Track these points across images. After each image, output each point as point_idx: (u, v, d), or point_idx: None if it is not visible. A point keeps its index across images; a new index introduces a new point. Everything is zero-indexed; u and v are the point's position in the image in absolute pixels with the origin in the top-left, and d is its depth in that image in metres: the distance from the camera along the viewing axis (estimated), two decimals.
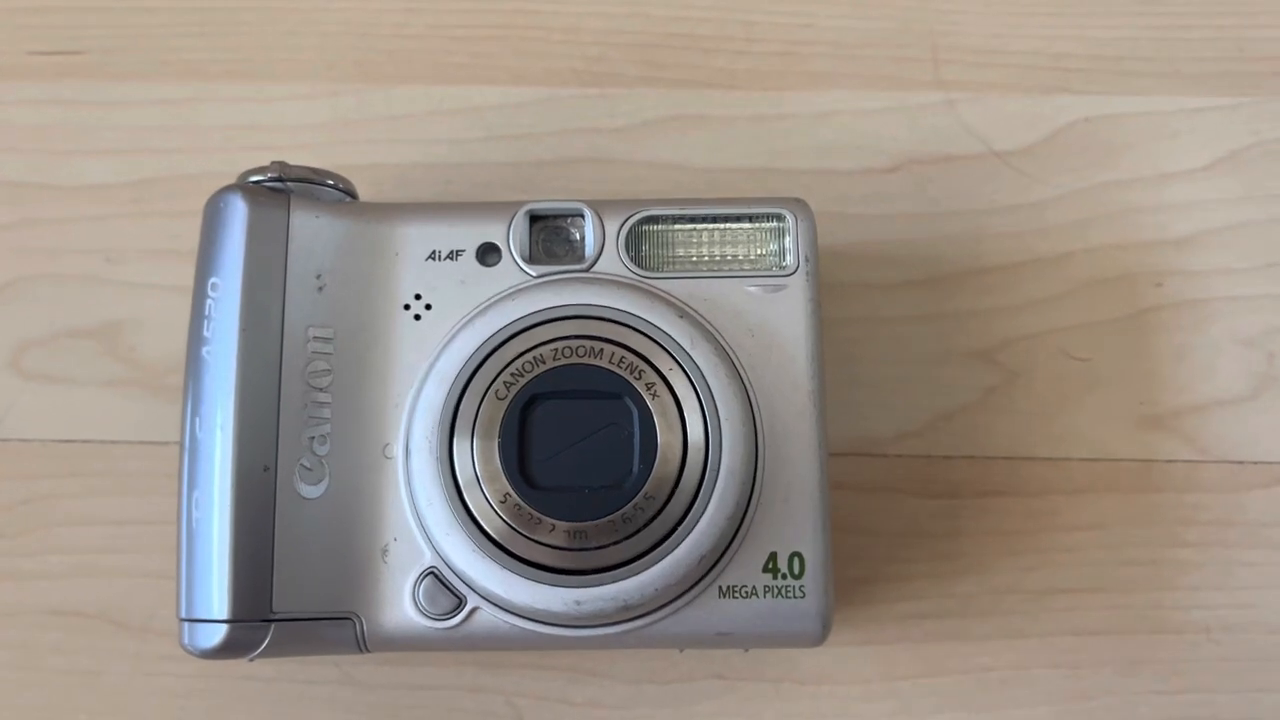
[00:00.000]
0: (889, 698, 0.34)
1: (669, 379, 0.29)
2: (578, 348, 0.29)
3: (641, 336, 0.29)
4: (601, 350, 0.29)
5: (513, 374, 0.29)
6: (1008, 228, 0.37)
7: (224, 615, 0.28)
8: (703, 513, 0.28)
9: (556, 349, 0.29)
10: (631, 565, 0.28)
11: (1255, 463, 0.35)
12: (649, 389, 0.29)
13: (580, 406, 0.29)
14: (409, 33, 0.39)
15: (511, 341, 0.29)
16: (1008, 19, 0.39)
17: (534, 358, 0.29)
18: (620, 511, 0.28)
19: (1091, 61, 0.38)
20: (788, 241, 0.31)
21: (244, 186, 0.30)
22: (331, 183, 0.31)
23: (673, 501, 0.28)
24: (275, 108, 0.38)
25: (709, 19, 0.39)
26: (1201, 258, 0.37)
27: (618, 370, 0.29)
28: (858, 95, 0.38)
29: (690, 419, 0.29)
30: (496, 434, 0.29)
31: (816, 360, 0.30)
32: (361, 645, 0.29)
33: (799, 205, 0.31)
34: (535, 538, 0.28)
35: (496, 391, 0.29)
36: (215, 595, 0.28)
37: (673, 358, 0.29)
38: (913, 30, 0.38)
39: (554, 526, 0.28)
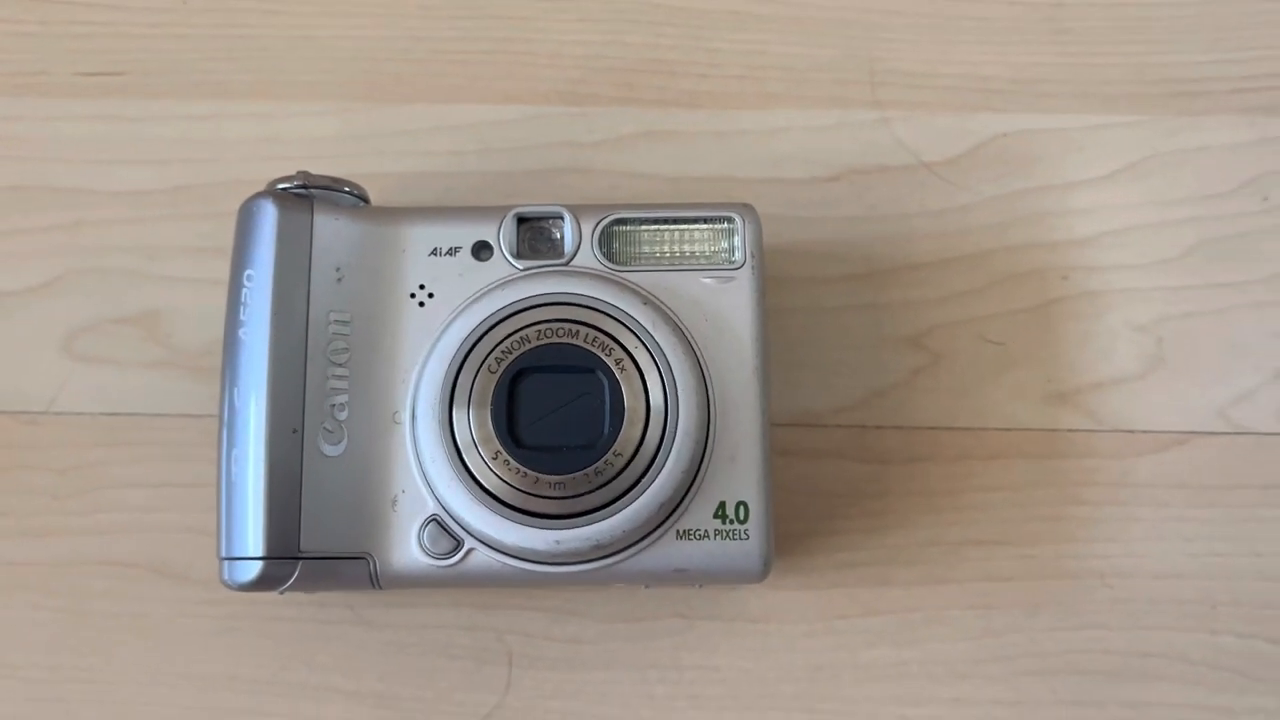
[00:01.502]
0: (827, 634, 0.39)
1: (634, 355, 0.34)
2: (558, 329, 0.34)
3: (611, 320, 0.35)
4: (577, 331, 0.34)
5: (503, 351, 0.34)
6: (935, 229, 0.42)
7: (259, 553, 0.33)
8: (663, 467, 0.34)
9: (540, 330, 0.34)
10: (603, 511, 0.33)
11: (1144, 432, 0.41)
12: (618, 364, 0.34)
13: (560, 379, 0.34)
14: (412, 57, 0.44)
15: (501, 324, 0.35)
16: (938, 47, 0.44)
17: (520, 338, 0.34)
18: (593, 466, 0.33)
19: (1011, 84, 0.43)
20: (736, 240, 0.36)
21: (273, 193, 0.36)
22: (348, 189, 0.37)
23: (637, 457, 0.34)
24: (293, 123, 0.43)
25: (677, 46, 0.44)
26: (1102, 255, 0.42)
27: (591, 348, 0.34)
28: (805, 114, 0.43)
29: (652, 389, 0.34)
30: (489, 402, 0.34)
31: (760, 340, 0.35)
32: (375, 582, 0.34)
33: (746, 209, 0.36)
34: (522, 488, 0.33)
35: (489, 366, 0.34)
36: (251, 536, 0.33)
37: (638, 337, 0.34)
38: (854, 57, 0.44)
39: (538, 479, 0.33)
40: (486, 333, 0.34)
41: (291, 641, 0.39)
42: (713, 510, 0.34)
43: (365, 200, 0.37)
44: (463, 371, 0.34)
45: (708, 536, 0.34)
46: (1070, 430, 0.41)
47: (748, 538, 0.34)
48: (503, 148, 0.43)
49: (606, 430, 0.34)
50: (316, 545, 0.34)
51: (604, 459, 0.34)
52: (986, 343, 0.41)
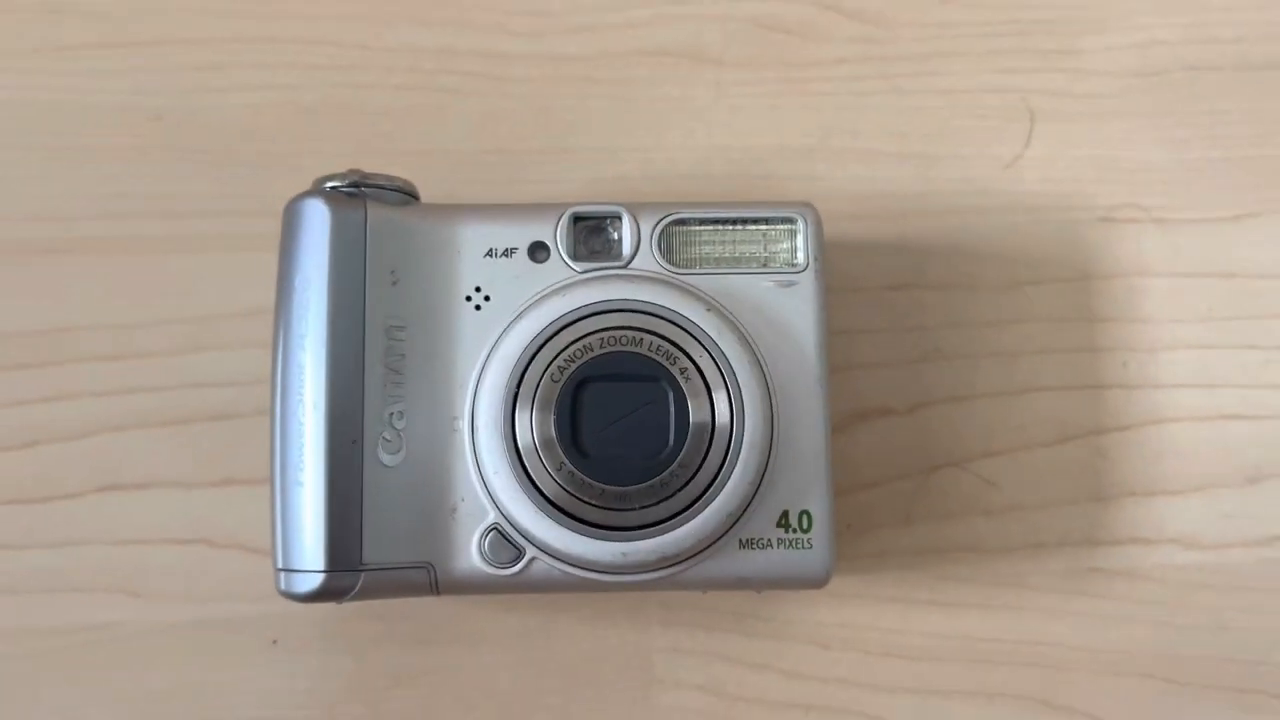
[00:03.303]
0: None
1: (699, 364, 0.34)
2: (620, 337, 0.34)
3: (675, 327, 0.34)
4: (641, 339, 0.34)
5: (566, 359, 0.34)
6: None
7: (320, 566, 0.33)
8: (728, 478, 0.33)
9: (603, 338, 0.34)
10: (669, 523, 0.33)
11: None
12: (682, 373, 0.34)
13: (624, 388, 0.34)
14: None
15: (564, 331, 0.34)
16: None
17: (583, 345, 0.34)
18: (659, 477, 0.33)
19: None
20: (799, 240, 0.35)
21: (323, 192, 0.34)
22: (399, 186, 0.35)
23: (703, 469, 0.33)
24: None
25: None
26: None
27: (655, 357, 0.34)
28: None
29: (717, 399, 0.34)
30: (553, 411, 0.33)
31: (823, 347, 0.35)
32: (435, 589, 0.34)
33: (808, 209, 0.36)
34: (587, 499, 0.33)
35: (552, 375, 0.34)
36: (310, 549, 0.33)
37: (702, 346, 0.34)
38: None
39: (603, 490, 0.33)
40: (549, 340, 0.34)
41: None
42: (776, 519, 0.34)
43: (415, 198, 0.36)
44: (525, 379, 0.34)
45: (770, 545, 0.34)
46: None
47: (811, 546, 0.34)
48: None
49: (672, 442, 0.33)
50: (378, 556, 0.33)
51: (669, 470, 0.33)
52: None
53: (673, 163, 0.41)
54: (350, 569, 0.33)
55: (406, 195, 0.35)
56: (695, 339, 0.34)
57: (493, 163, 0.41)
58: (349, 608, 0.38)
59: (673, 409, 0.33)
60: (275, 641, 0.39)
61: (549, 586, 0.34)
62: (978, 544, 0.40)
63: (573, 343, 0.34)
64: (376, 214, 0.34)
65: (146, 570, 0.39)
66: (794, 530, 0.34)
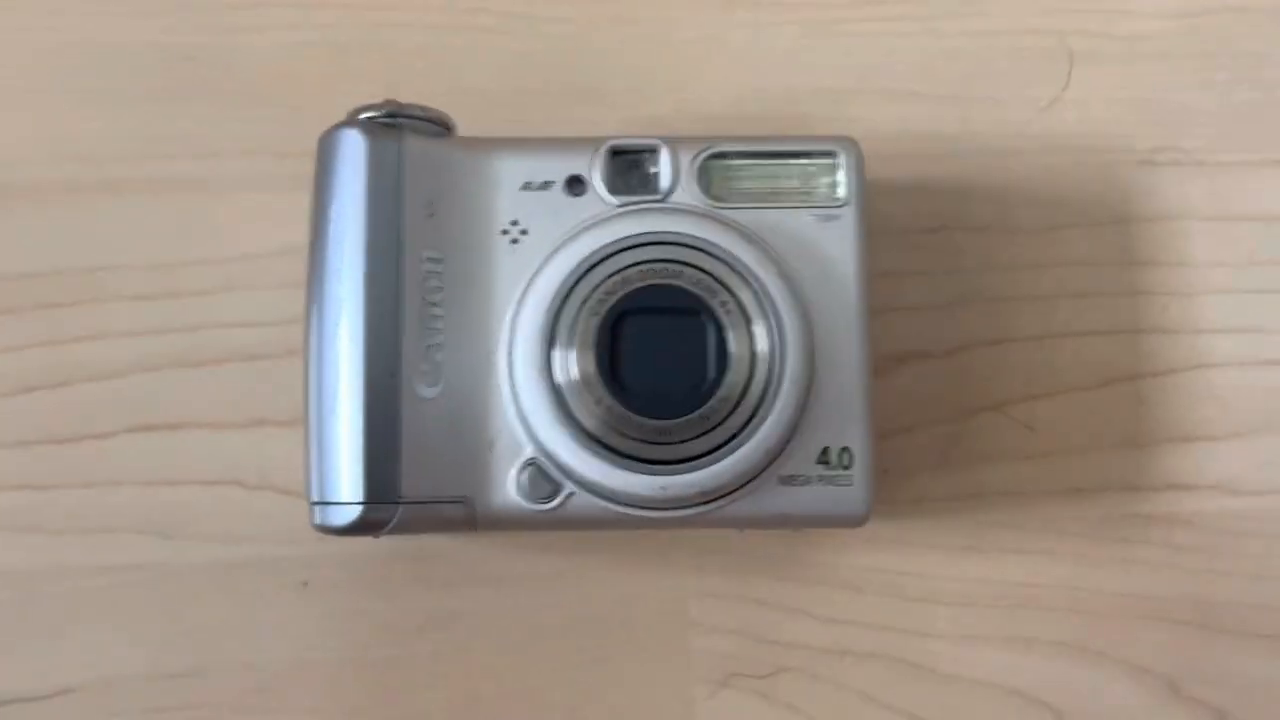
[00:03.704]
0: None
1: (739, 298, 0.33)
2: (660, 270, 0.33)
3: (715, 260, 0.34)
4: (680, 272, 0.33)
5: (604, 293, 0.33)
6: None
7: (358, 498, 0.33)
8: (769, 413, 0.33)
9: (641, 271, 0.33)
10: (709, 456, 0.33)
11: None
12: (723, 306, 0.33)
13: (663, 321, 0.33)
14: None
15: (602, 264, 0.33)
16: None
17: (622, 279, 0.33)
18: (699, 411, 0.33)
19: None
20: (840, 175, 0.35)
21: (359, 122, 0.34)
22: (433, 117, 0.35)
23: (743, 403, 0.33)
24: None
25: None
26: None
27: (695, 290, 0.33)
28: None
29: (758, 332, 0.33)
30: (592, 345, 0.33)
31: (864, 282, 0.34)
32: (472, 524, 0.34)
33: (850, 143, 0.35)
34: (627, 433, 0.33)
35: (590, 308, 0.33)
36: (347, 481, 0.33)
37: (743, 279, 0.33)
38: None
39: (642, 424, 0.33)
40: (586, 273, 0.33)
41: None
42: (816, 455, 0.34)
43: (451, 130, 0.35)
44: (563, 313, 0.33)
45: (811, 482, 0.34)
46: None
47: (851, 483, 0.34)
48: None
49: (712, 375, 0.33)
50: (415, 489, 0.33)
51: (710, 404, 0.33)
52: None
53: (707, 103, 0.41)
54: (388, 501, 0.33)
55: (442, 127, 0.35)
56: (736, 272, 0.34)
57: (526, 103, 0.41)
58: (380, 549, 0.38)
59: (713, 342, 0.33)
60: (306, 583, 0.39)
61: (586, 523, 0.34)
62: (1015, 489, 0.40)
63: (611, 276, 0.33)
64: (413, 145, 0.34)
65: (178, 511, 0.39)
66: (835, 467, 0.34)
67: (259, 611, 0.39)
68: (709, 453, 0.33)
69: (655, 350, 0.33)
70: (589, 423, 0.33)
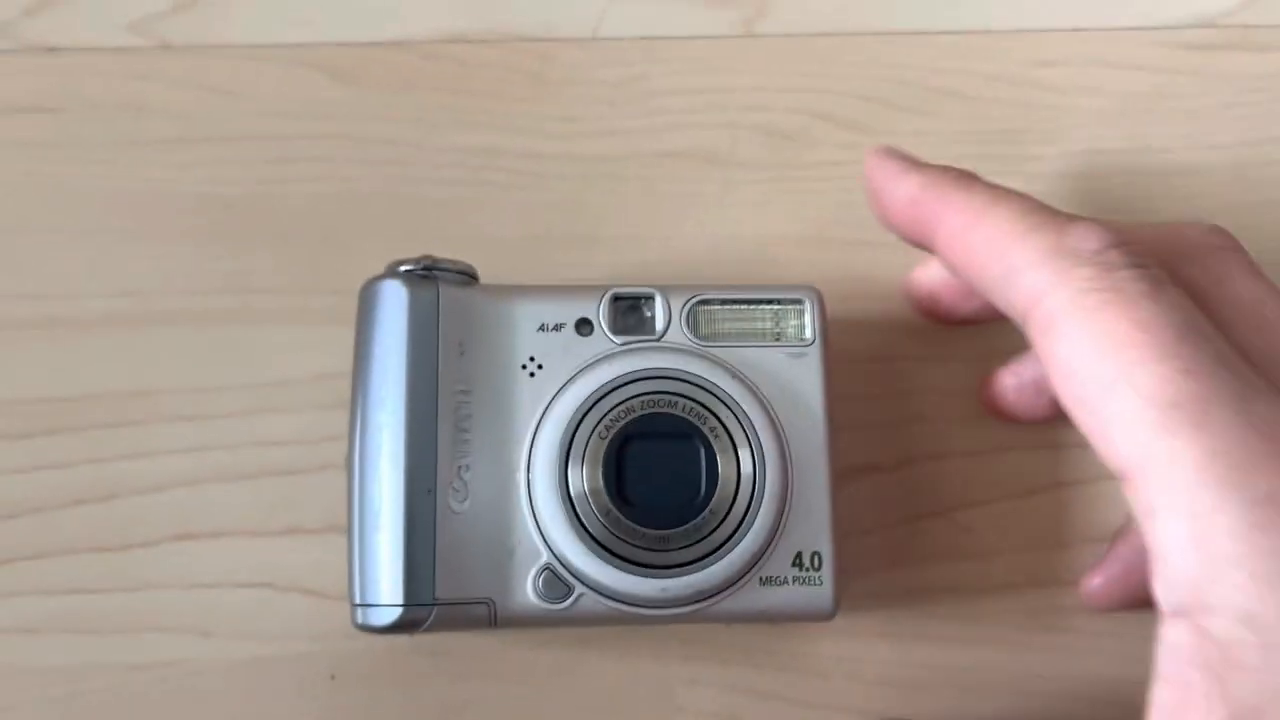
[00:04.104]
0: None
1: (726, 425, 0.39)
2: (658, 400, 0.39)
3: (705, 392, 0.39)
4: (675, 402, 0.39)
5: (611, 419, 0.39)
6: None
7: (398, 601, 0.37)
8: (752, 523, 0.39)
9: (642, 401, 0.39)
10: (702, 561, 0.38)
11: None
12: (712, 431, 0.39)
13: (661, 444, 0.39)
14: None
15: (608, 395, 0.39)
16: None
17: (626, 407, 0.39)
18: (693, 522, 0.38)
19: None
20: (806, 319, 0.41)
21: (400, 274, 0.39)
22: (462, 269, 0.41)
23: (730, 514, 0.39)
24: None
25: None
26: None
27: (688, 417, 0.39)
28: None
29: (742, 456, 0.39)
30: (600, 464, 0.38)
31: (828, 408, 0.40)
32: (493, 622, 0.39)
33: (812, 291, 0.41)
34: (630, 541, 0.38)
35: (599, 433, 0.39)
36: (387, 585, 0.37)
37: (728, 408, 0.39)
38: None
39: (644, 533, 0.38)
40: (595, 403, 0.39)
41: None
42: (791, 559, 0.39)
43: (476, 279, 0.41)
44: (576, 437, 0.39)
45: (787, 582, 0.39)
46: None
47: (821, 583, 0.39)
48: None
49: (703, 491, 0.39)
50: (448, 592, 0.38)
51: (701, 516, 0.38)
52: None
53: (689, 249, 0.47)
54: (424, 604, 0.38)
55: (469, 277, 0.41)
56: (722, 402, 0.39)
57: (531, 248, 0.47)
58: (400, 645, 0.43)
59: (704, 463, 0.39)
60: (333, 676, 0.43)
61: (594, 620, 0.39)
62: (957, 585, 0.46)
63: (616, 405, 0.39)
64: (445, 293, 0.39)
65: (216, 611, 0.43)
66: (807, 569, 0.39)
67: (289, 702, 0.43)
68: (702, 558, 0.38)
69: (654, 469, 0.39)
70: (598, 531, 0.38)
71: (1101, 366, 0.30)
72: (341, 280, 0.43)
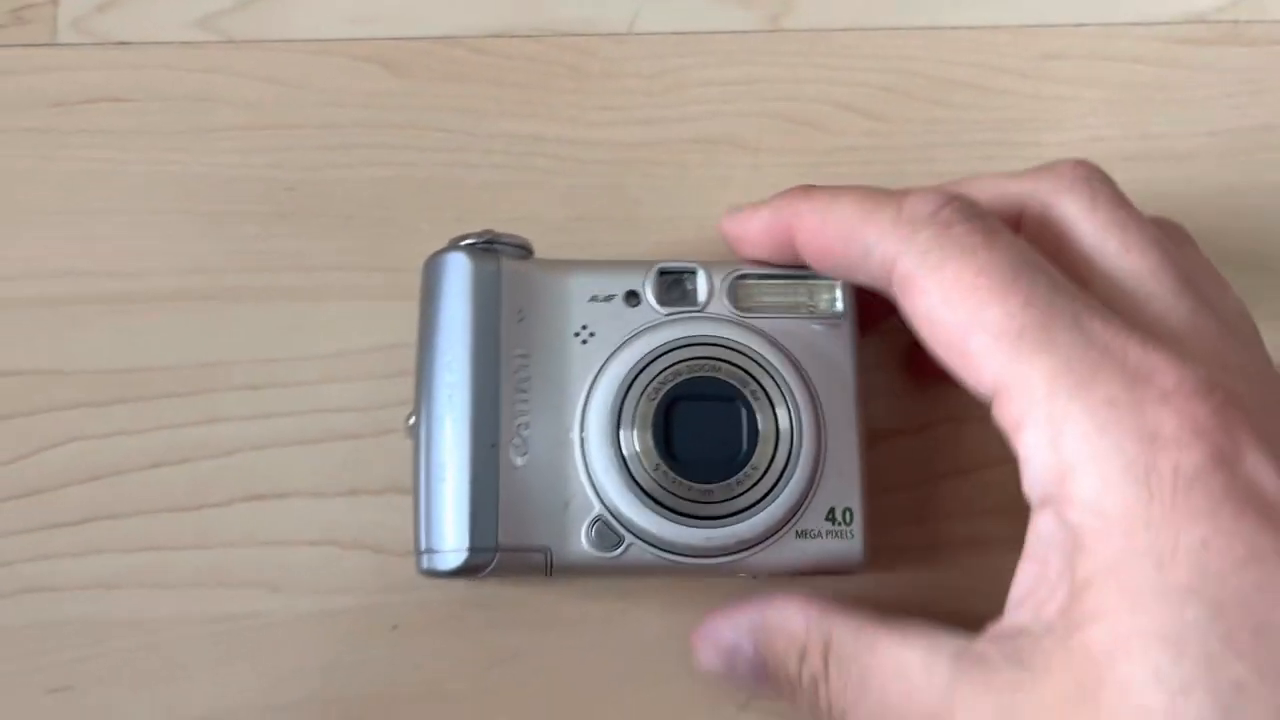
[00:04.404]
0: None
1: (765, 388, 0.42)
2: (703, 365, 0.42)
3: (745, 358, 0.43)
4: (718, 367, 0.42)
5: (659, 383, 0.42)
6: None
7: (464, 545, 0.40)
8: (790, 479, 0.42)
9: (689, 365, 0.42)
10: (744, 513, 0.41)
11: None
12: (752, 394, 0.42)
13: (705, 406, 0.42)
14: None
15: (655, 361, 0.42)
16: None
17: (673, 371, 0.42)
18: (735, 477, 0.41)
19: None
20: (837, 293, 0.44)
21: (463, 247, 0.43)
22: (520, 243, 0.44)
23: (769, 471, 0.42)
24: None
25: None
26: None
27: (731, 381, 0.42)
28: None
29: (780, 416, 0.42)
30: (650, 424, 0.42)
31: (857, 376, 0.44)
32: (549, 570, 0.42)
33: None
34: (677, 494, 0.41)
35: (649, 395, 0.42)
36: (454, 531, 0.40)
37: (767, 373, 0.42)
38: None
39: (690, 487, 0.41)
40: (644, 368, 0.42)
41: None
42: (824, 514, 0.43)
43: (532, 253, 0.44)
44: (626, 399, 0.42)
45: (820, 536, 0.42)
46: None
47: (852, 537, 0.43)
48: None
49: (745, 448, 0.42)
50: (510, 540, 0.41)
51: (744, 471, 0.42)
52: None
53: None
54: (488, 548, 0.41)
55: (526, 250, 0.44)
56: (762, 368, 0.43)
57: (575, 228, 0.50)
58: (456, 597, 0.46)
59: (745, 423, 0.42)
60: (395, 627, 0.46)
61: (642, 568, 0.42)
62: (975, 539, 0.49)
63: (664, 370, 0.42)
64: (506, 265, 0.43)
65: (284, 568, 0.46)
66: (840, 523, 0.43)
67: (354, 652, 0.46)
68: (744, 510, 0.41)
69: (699, 429, 0.42)
70: (648, 485, 0.41)
71: (955, 313, 0.35)
72: (397, 258, 0.46)
